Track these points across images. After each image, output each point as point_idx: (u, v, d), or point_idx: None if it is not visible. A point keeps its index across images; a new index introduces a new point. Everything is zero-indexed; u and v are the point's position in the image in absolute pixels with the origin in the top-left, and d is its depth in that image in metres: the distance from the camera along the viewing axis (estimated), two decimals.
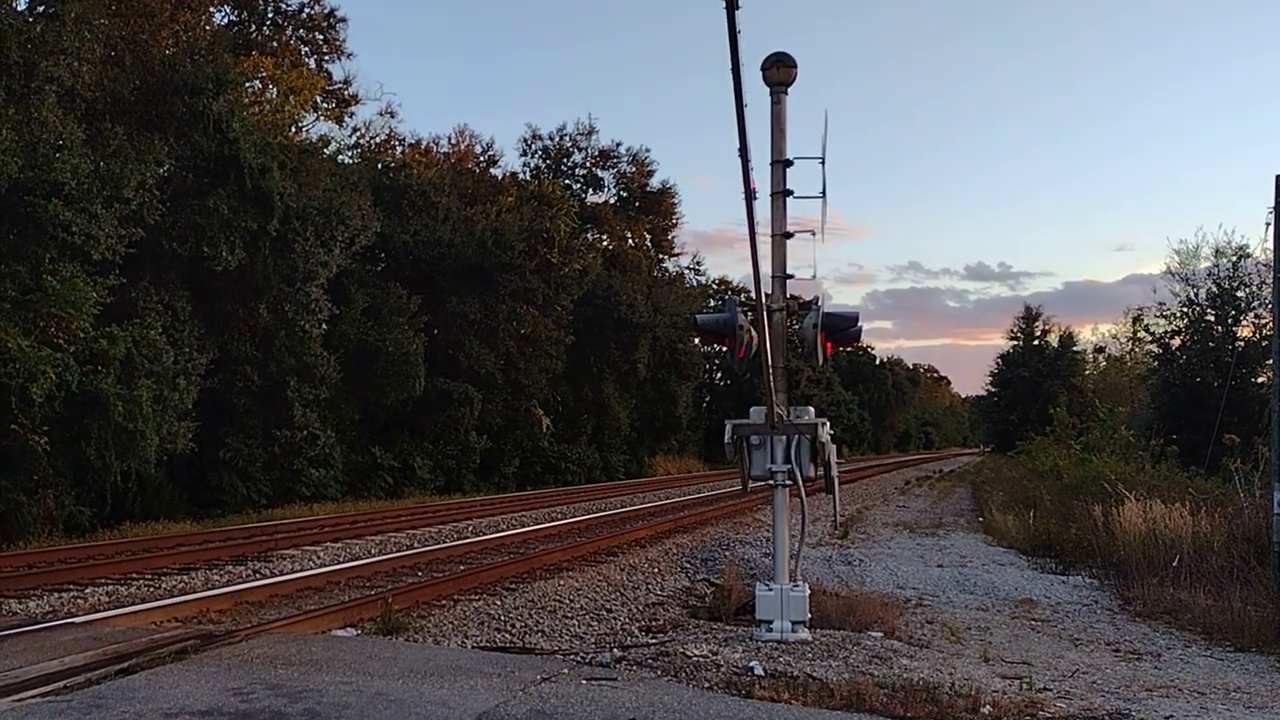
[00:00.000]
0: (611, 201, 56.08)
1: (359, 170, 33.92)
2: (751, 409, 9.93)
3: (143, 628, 9.39)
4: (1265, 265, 25.21)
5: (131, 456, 19.97)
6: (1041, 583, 16.29)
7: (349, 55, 35.96)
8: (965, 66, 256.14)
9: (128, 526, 20.58)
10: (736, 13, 6.38)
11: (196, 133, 23.03)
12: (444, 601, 12.76)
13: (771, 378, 9.36)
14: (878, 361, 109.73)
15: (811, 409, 10.11)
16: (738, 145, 7.23)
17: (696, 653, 8.69)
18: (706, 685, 7.61)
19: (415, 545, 18.63)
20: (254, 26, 33.66)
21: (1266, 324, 31.22)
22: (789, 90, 10.04)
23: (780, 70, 9.89)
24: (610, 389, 46.74)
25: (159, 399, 20.51)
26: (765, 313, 9.74)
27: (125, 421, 19.41)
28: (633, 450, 51.15)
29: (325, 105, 36.44)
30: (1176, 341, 37.67)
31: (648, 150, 58.94)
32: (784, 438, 9.78)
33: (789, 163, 10.06)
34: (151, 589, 13.43)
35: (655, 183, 57.09)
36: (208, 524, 21.99)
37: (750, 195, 7.66)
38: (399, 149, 42.99)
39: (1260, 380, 32.23)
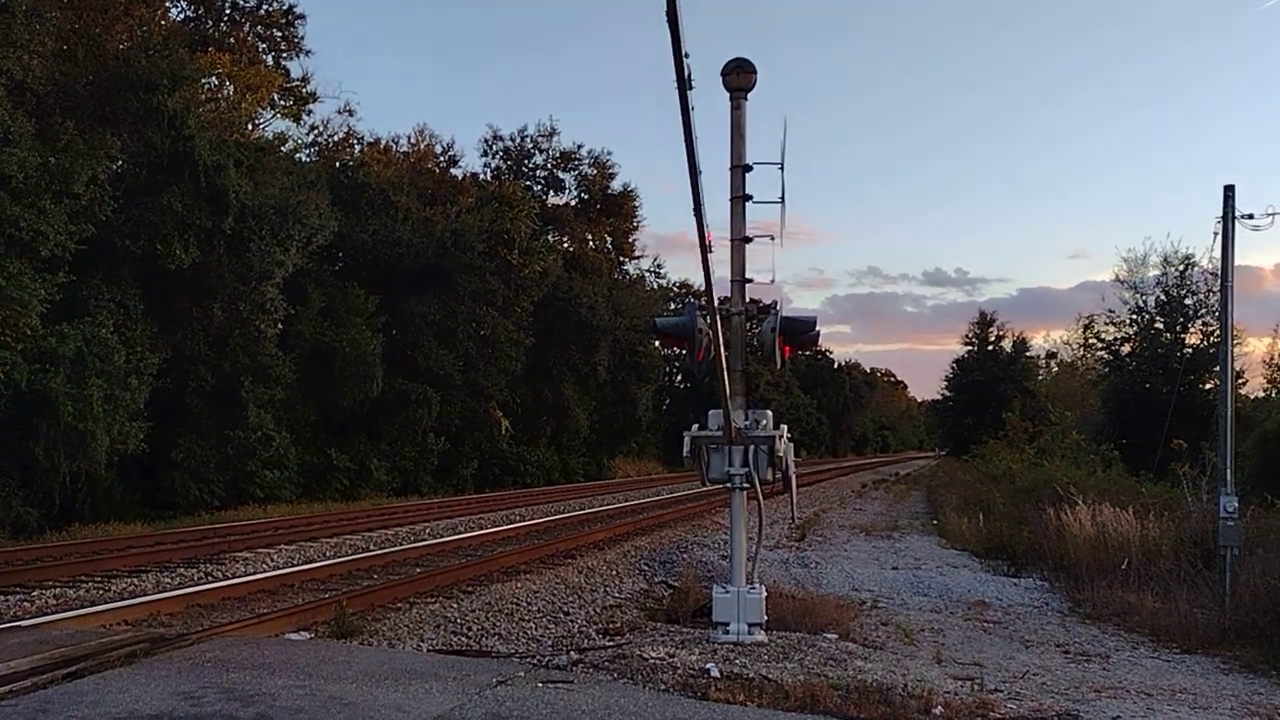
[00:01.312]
0: (572, 203, 56.01)
1: (316, 169, 33.62)
2: (710, 412, 9.96)
3: (91, 631, 9.24)
4: (1213, 274, 25.77)
5: (81, 457, 19.65)
6: (994, 585, 16.51)
7: (307, 52, 35.50)
8: (929, 76, 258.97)
9: (77, 528, 20.23)
10: (690, 92, 6.43)
11: (150, 129, 22.70)
12: (400, 604, 12.68)
13: (728, 395, 9.38)
14: (836, 365, 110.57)
15: (769, 413, 10.17)
16: (692, 205, 7.34)
17: (653, 655, 8.71)
18: (663, 687, 7.63)
19: (371, 548, 18.48)
20: (210, 22, 33.25)
21: (1214, 332, 31.88)
22: (749, 96, 10.10)
23: (740, 76, 9.95)
24: (570, 391, 46.68)
25: (110, 398, 20.19)
26: (723, 319, 9.80)
27: (75, 421, 19.09)
28: (592, 452, 51.11)
29: (282, 103, 36.04)
30: (1127, 348, 38.40)
31: (609, 153, 58.83)
32: (742, 446, 9.84)
33: (748, 168, 10.11)
34: (101, 592, 13.21)
35: (616, 185, 57.14)
36: (159, 526, 21.67)
37: (705, 248, 7.75)
38: (357, 148, 42.67)
39: (1208, 387, 32.93)
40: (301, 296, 29.58)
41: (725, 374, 9.18)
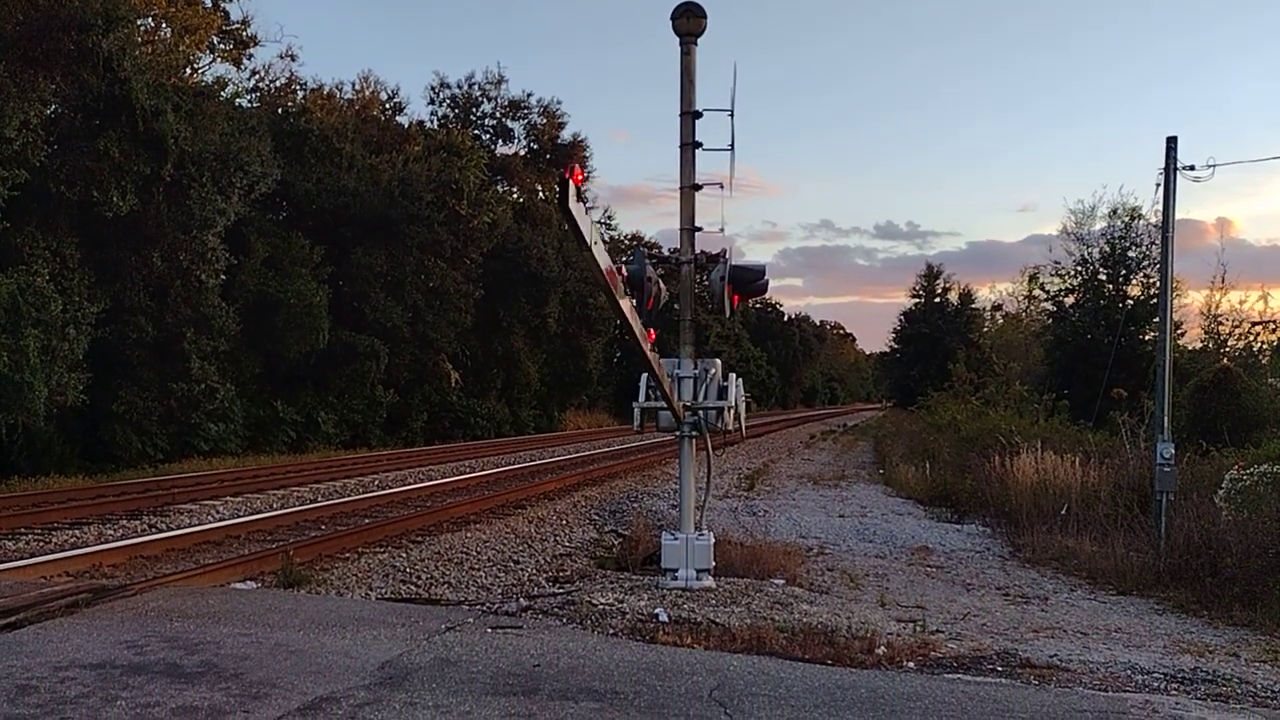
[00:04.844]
0: (522, 153, 55.26)
1: (258, 115, 32.70)
2: (662, 360, 9.96)
3: (31, 582, 9.08)
4: (1156, 226, 26.14)
5: (18, 409, 19.20)
6: (937, 531, 16.84)
7: None
8: (883, 30, 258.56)
9: (15, 481, 19.85)
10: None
11: (85, 71, 21.94)
12: (348, 554, 12.64)
13: (662, 382, 9.36)
14: (786, 318, 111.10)
15: (718, 361, 10.23)
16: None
17: (602, 601, 8.77)
18: (611, 632, 7.69)
19: (319, 499, 18.36)
20: None
21: (1155, 283, 32.45)
22: (699, 41, 10.00)
23: (690, 20, 9.85)
24: (520, 343, 46.45)
25: (47, 349, 19.72)
26: (672, 268, 9.76)
27: (11, 372, 18.62)
28: (543, 405, 51.03)
29: (222, 46, 34.99)
30: (1070, 300, 38.96)
31: (559, 102, 57.75)
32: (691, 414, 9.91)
33: (698, 114, 10.05)
34: (41, 543, 13.00)
35: (566, 135, 56.34)
36: (101, 478, 21.32)
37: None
38: (300, 94, 41.57)
39: (1147, 338, 33.60)
40: (244, 246, 29.00)
41: (655, 364, 9.10)
